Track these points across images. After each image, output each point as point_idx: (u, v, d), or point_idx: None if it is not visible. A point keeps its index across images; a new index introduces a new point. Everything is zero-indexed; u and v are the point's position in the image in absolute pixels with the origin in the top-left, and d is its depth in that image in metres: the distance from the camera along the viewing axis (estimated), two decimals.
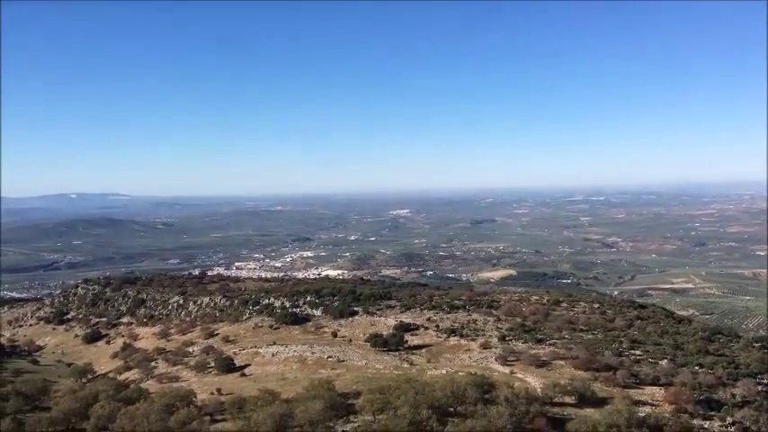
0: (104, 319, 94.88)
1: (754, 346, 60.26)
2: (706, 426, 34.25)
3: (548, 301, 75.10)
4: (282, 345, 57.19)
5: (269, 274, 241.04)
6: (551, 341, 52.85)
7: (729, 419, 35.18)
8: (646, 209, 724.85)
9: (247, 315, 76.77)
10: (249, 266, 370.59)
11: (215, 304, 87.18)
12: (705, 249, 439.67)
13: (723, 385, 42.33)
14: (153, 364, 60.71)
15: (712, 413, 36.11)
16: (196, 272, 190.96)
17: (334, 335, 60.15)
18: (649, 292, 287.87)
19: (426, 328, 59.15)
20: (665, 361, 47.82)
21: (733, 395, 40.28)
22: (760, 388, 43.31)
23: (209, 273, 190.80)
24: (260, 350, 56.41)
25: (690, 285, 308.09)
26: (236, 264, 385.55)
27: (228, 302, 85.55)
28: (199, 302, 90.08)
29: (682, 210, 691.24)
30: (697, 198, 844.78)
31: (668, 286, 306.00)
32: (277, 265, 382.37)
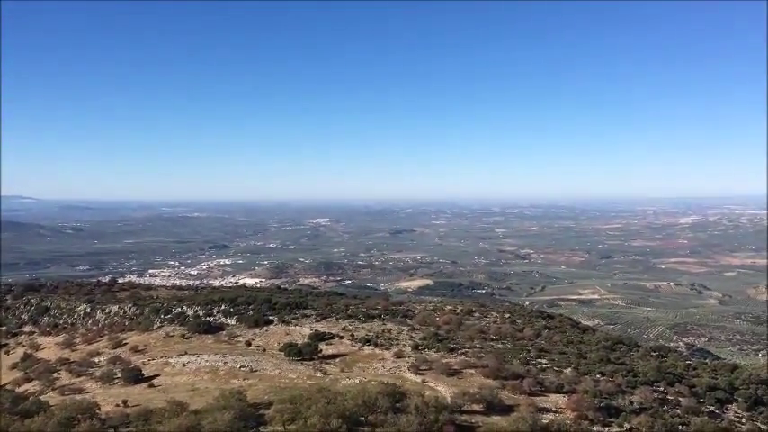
0: (4, 328, 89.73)
1: (652, 355, 63.75)
2: (605, 431, 35.95)
3: (461, 311, 76.79)
4: (194, 354, 55.91)
5: (184, 282, 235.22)
6: (463, 350, 54.11)
7: (627, 425, 37.06)
8: (557, 222, 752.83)
9: (158, 324, 74.49)
10: (163, 274, 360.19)
11: (124, 312, 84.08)
12: (610, 262, 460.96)
13: (622, 392, 44.57)
14: (55, 375, 57.92)
15: (611, 419, 37.91)
16: (106, 279, 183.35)
17: (248, 344, 59.34)
18: (558, 302, 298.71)
19: (341, 338, 59.28)
20: (569, 369, 49.89)
21: (631, 402, 42.45)
22: (656, 395, 45.89)
23: (121, 280, 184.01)
24: (170, 360, 54.93)
25: (596, 296, 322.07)
26: (150, 271, 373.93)
27: (139, 311, 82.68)
28: (107, 311, 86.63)
29: (590, 224, 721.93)
30: (604, 213, 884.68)
31: (576, 297, 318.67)
32: (193, 272, 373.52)
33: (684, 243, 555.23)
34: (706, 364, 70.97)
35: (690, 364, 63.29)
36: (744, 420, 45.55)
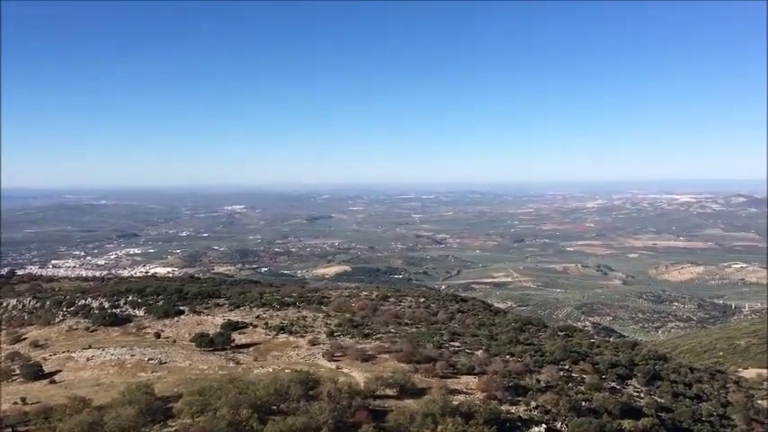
0: None
1: (558, 335, 66.35)
2: (512, 410, 36.99)
3: (376, 296, 77.24)
4: (99, 348, 53.61)
5: (90, 273, 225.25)
6: (378, 335, 54.43)
7: (533, 403, 38.32)
8: (472, 207, 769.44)
9: (61, 317, 70.90)
10: (68, 265, 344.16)
11: (23, 306, 79.56)
12: (523, 245, 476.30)
13: (530, 372, 46.10)
14: None
15: (519, 398, 39.10)
16: (4, 271, 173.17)
17: (158, 336, 57.46)
18: (473, 285, 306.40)
19: (255, 326, 58.36)
20: (481, 351, 51.15)
21: (538, 381, 43.95)
22: (562, 373, 47.72)
23: (20, 272, 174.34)
24: (73, 354, 52.44)
25: (509, 279, 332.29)
26: (54, 262, 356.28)
27: (39, 304, 78.43)
28: (4, 305, 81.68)
29: (503, 208, 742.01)
30: (517, 198, 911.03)
31: (490, 280, 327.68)
32: (100, 262, 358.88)
33: (591, 226, 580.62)
34: (608, 342, 74.70)
35: (594, 343, 66.39)
36: (642, 395, 48.15)
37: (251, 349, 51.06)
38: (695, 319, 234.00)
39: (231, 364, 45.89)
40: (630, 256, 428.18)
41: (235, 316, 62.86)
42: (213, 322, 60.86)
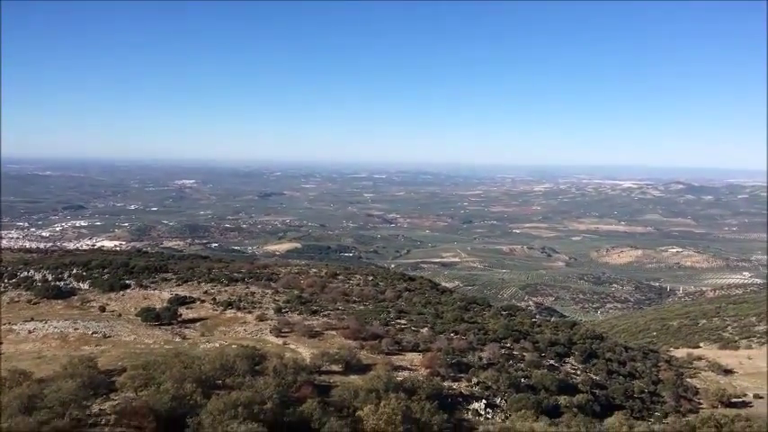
0: None
1: (502, 314, 68.11)
2: (454, 386, 38.21)
3: (326, 273, 77.67)
4: (42, 321, 52.63)
5: (34, 245, 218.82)
6: (325, 312, 55.00)
7: (475, 380, 39.61)
8: (423, 188, 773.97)
9: (2, 289, 69.21)
10: (11, 236, 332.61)
11: None
12: (471, 227, 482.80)
13: (473, 349, 47.47)
14: None
15: (461, 375, 40.34)
16: None
17: (102, 309, 56.74)
18: (422, 265, 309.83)
19: (203, 302, 58.20)
20: (426, 329, 52.32)
21: (480, 358, 45.33)
22: (503, 351, 49.29)
23: None
24: (14, 327, 51.33)
25: (457, 259, 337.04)
26: None
27: None
28: None
29: (454, 190, 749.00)
30: (468, 179, 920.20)
31: (439, 260, 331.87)
32: (44, 234, 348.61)
33: (538, 209, 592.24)
34: (549, 321, 77.01)
35: (535, 322, 68.43)
36: (579, 372, 50.18)
37: (198, 324, 51.00)
38: (632, 300, 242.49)
39: (177, 339, 45.81)
40: (574, 238, 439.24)
41: (182, 291, 62.47)
42: (160, 297, 60.38)
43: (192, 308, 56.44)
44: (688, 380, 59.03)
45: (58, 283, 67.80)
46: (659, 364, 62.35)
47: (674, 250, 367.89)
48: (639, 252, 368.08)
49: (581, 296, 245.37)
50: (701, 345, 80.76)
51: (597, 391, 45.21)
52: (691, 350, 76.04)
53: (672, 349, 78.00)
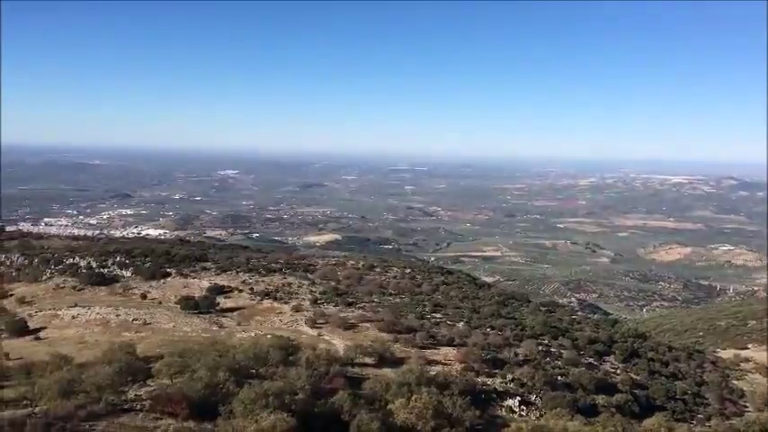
0: None
1: (540, 310, 67.16)
2: (489, 382, 37.77)
3: (363, 265, 77.79)
4: (85, 307, 54.00)
5: (82, 232, 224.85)
6: (361, 304, 55.06)
7: (509, 376, 39.08)
8: (464, 181, 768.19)
9: (48, 275, 71.19)
10: (60, 223, 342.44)
11: (11, 263, 79.68)
12: (513, 220, 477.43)
13: (509, 345, 46.89)
14: None
15: (496, 371, 39.86)
16: None
17: (144, 297, 57.89)
18: (462, 258, 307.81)
19: (240, 291, 58.87)
20: (462, 323, 51.86)
21: (516, 354, 44.77)
22: (540, 348, 48.54)
23: (12, 229, 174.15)
24: (59, 312, 52.89)
25: (498, 253, 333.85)
26: (46, 220, 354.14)
27: (27, 261, 78.69)
28: None
29: (496, 183, 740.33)
30: (510, 173, 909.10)
31: (479, 254, 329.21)
32: (92, 222, 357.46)
33: (582, 204, 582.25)
34: (590, 318, 75.65)
35: (575, 319, 67.31)
36: (618, 371, 49.04)
37: (235, 313, 51.61)
38: (680, 299, 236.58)
39: (215, 328, 46.42)
40: (620, 234, 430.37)
41: (221, 280, 63.31)
42: (199, 285, 61.30)
43: (229, 297, 57.15)
44: (734, 382, 57.17)
45: (101, 270, 69.40)
46: (704, 365, 60.56)
47: (726, 248, 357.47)
48: (689, 249, 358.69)
49: (626, 293, 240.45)
50: (750, 346, 78.20)
51: (637, 392, 44.03)
52: (738, 351, 73.68)
53: (718, 350, 75.76)
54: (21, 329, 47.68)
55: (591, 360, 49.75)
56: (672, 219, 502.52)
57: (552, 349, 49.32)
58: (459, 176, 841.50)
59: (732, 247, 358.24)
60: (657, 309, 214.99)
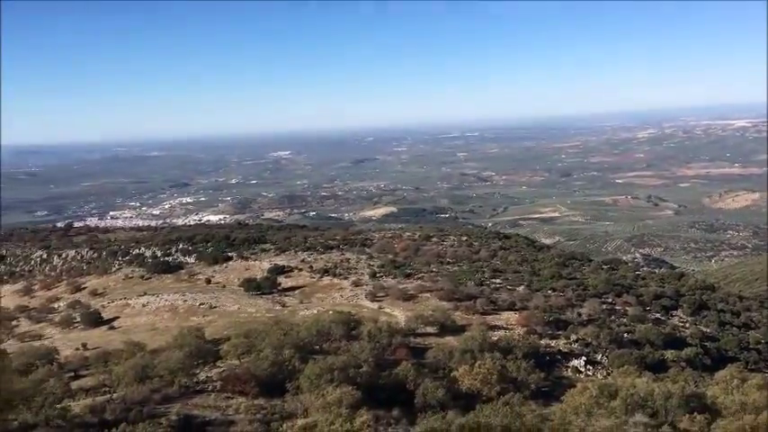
0: None
1: (602, 269, 66.03)
2: (552, 344, 37.43)
3: (419, 236, 77.91)
4: (153, 294, 56.05)
5: (146, 223, 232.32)
6: (419, 275, 55.26)
7: (573, 337, 38.61)
8: (517, 143, 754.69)
9: (117, 266, 74.29)
10: (125, 215, 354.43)
11: (81, 257, 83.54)
12: (570, 180, 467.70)
13: (572, 306, 46.34)
14: (14, 323, 57.58)
15: (559, 332, 39.44)
16: (63, 224, 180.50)
17: (208, 281, 59.66)
18: (520, 222, 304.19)
19: (300, 270, 59.89)
20: (522, 287, 51.51)
21: (579, 314, 44.21)
22: (604, 306, 47.84)
23: (81, 224, 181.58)
24: (130, 301, 55.08)
25: (557, 214, 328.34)
26: (111, 213, 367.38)
27: (96, 254, 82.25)
28: (64, 256, 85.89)
29: (549, 143, 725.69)
30: (563, 131, 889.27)
31: (537, 216, 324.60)
32: (155, 212, 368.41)
33: (641, 157, 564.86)
34: (654, 273, 73.88)
35: (639, 275, 65.89)
36: (687, 325, 47.89)
37: (296, 292, 52.62)
38: (750, 246, 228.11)
39: (278, 307, 47.46)
40: (683, 185, 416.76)
41: (281, 260, 64.56)
42: (260, 267, 62.72)
43: (290, 276, 58.25)
44: None
45: (166, 258, 71.86)
46: None
47: None
48: (756, 195, 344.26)
49: (692, 245, 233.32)
50: None
51: (708, 344, 42.90)
52: None
53: None
54: (96, 320, 49.95)
55: (658, 315, 48.74)
56: (737, 165, 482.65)
57: (617, 307, 48.53)
58: (512, 139, 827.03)
59: None
60: (726, 258, 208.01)
